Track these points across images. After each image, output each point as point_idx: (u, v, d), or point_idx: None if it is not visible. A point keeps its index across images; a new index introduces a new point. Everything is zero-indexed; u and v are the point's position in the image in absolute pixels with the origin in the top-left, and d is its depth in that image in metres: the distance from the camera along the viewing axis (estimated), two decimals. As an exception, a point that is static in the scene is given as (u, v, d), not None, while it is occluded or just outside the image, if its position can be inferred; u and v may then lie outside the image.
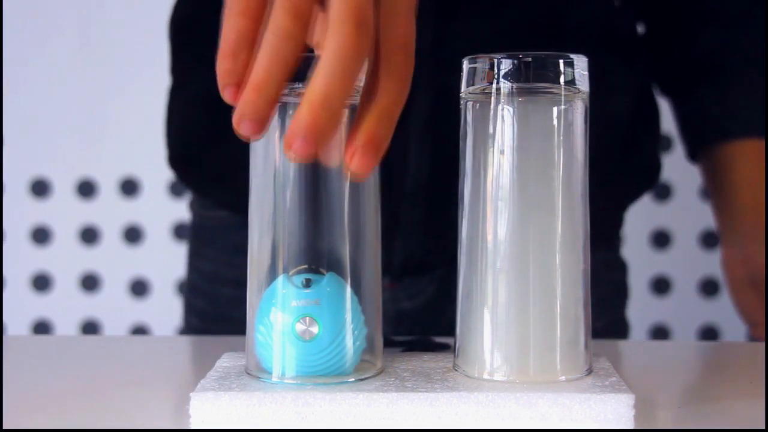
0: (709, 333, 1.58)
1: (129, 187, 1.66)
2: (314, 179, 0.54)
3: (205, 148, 0.85)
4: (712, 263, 1.55)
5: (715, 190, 0.89)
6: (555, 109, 0.55)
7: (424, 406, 0.52)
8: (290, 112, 0.53)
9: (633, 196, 0.90)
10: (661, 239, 1.56)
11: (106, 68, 1.65)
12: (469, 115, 0.56)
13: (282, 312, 0.55)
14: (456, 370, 0.57)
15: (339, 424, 0.52)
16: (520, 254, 0.54)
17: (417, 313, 0.83)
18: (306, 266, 0.57)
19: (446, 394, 0.52)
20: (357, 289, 0.55)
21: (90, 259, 1.66)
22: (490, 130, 0.55)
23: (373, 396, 0.52)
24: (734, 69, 0.87)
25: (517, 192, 0.54)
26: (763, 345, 0.77)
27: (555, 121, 0.55)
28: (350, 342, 0.55)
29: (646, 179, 0.90)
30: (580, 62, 0.55)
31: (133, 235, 1.67)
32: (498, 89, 0.54)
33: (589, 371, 0.56)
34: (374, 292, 0.56)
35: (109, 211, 1.66)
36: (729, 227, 0.88)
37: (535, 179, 0.54)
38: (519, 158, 0.54)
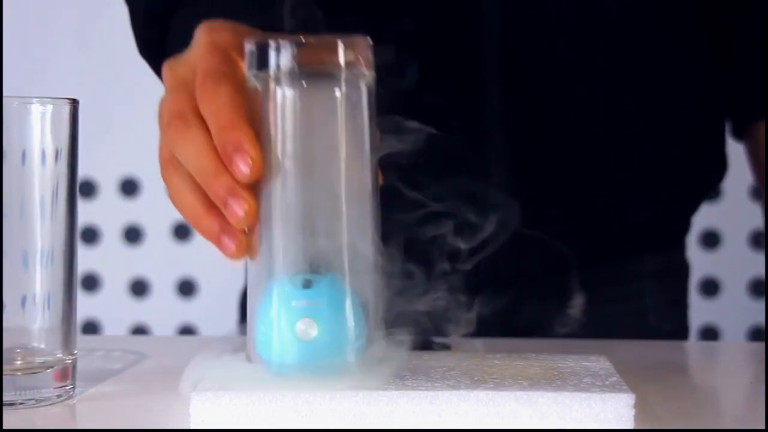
0: (709, 333, 1.58)
1: (129, 187, 1.67)
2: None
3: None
4: (712, 264, 1.55)
5: (758, 167, 0.90)
6: (337, 90, 0.54)
7: (424, 404, 0.52)
8: None
9: (703, 195, 0.90)
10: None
11: (106, 68, 1.65)
12: (252, 98, 0.55)
13: (282, 312, 0.55)
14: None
15: (339, 422, 0.52)
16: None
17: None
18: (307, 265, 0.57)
19: (446, 393, 0.52)
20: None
21: (90, 259, 1.66)
22: (271, 115, 0.54)
23: (373, 394, 0.52)
24: None
25: (301, 176, 0.54)
26: (763, 345, 0.77)
27: (338, 103, 0.54)
28: (350, 342, 0.55)
29: (714, 177, 0.91)
30: (362, 44, 0.55)
31: (133, 235, 1.67)
32: (278, 72, 0.54)
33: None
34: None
35: (109, 211, 1.66)
36: None
37: (321, 164, 0.54)
38: (303, 142, 0.54)
